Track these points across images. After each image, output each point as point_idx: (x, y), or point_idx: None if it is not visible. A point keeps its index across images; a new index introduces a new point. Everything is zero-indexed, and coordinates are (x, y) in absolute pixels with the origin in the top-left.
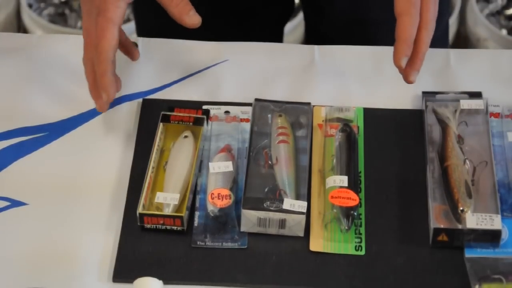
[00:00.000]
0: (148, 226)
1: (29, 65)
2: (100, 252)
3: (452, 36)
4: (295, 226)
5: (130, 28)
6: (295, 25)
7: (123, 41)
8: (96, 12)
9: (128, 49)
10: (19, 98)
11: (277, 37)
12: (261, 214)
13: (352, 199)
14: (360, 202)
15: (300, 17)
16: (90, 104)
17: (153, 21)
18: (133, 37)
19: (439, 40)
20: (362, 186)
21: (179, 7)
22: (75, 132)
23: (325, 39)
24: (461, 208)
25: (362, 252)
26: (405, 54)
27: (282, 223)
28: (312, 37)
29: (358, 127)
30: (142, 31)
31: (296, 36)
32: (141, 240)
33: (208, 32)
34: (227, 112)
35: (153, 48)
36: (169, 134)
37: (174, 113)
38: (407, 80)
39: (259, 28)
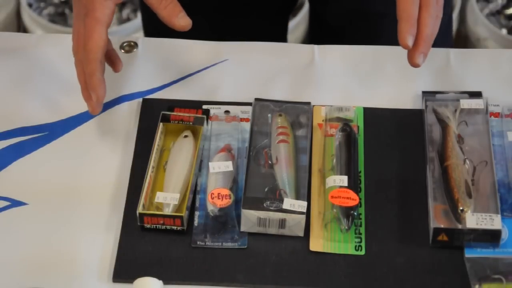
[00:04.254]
0: (148, 226)
1: (29, 65)
2: (100, 252)
3: (452, 36)
4: (295, 226)
5: (130, 28)
6: (295, 24)
7: (108, 50)
8: (84, 12)
9: (112, 59)
10: (19, 97)
11: (281, 28)
12: (261, 214)
13: (352, 199)
14: (360, 202)
15: (300, 16)
16: None
17: (159, 20)
18: (133, 36)
19: (442, 34)
20: (362, 186)
21: (168, 9)
22: (75, 132)
23: (330, 30)
24: (461, 208)
25: (362, 252)
26: (409, 32)
27: (282, 223)
28: (317, 28)
29: (358, 127)
30: (149, 31)
31: (296, 35)
32: (141, 240)
33: (210, 24)
34: (227, 111)
35: (153, 48)
36: (169, 134)
37: (174, 113)
38: (412, 62)
39: (261, 20)
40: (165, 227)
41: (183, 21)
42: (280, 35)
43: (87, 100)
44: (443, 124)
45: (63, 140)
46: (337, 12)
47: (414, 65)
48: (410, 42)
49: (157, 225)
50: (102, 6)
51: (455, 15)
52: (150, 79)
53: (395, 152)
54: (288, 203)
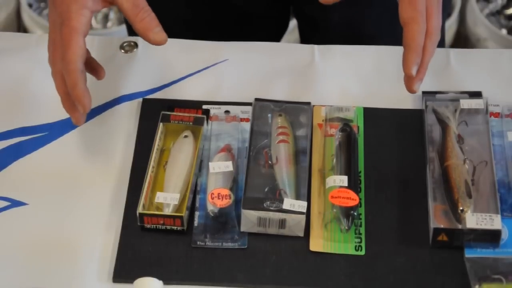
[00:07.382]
0: (148, 226)
1: (29, 65)
2: (100, 252)
3: (452, 36)
4: (295, 226)
5: (124, 30)
6: (295, 25)
7: (87, 58)
8: (59, 21)
9: (93, 66)
10: (19, 97)
11: None
12: (261, 214)
13: (352, 199)
14: (360, 202)
15: None
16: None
17: None
18: (133, 36)
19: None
20: (362, 186)
21: (144, 22)
22: (75, 132)
23: None
24: (461, 208)
25: (362, 252)
26: (415, 62)
27: (282, 223)
28: None
29: (358, 127)
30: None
31: (296, 35)
32: (141, 240)
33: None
34: (227, 111)
35: (153, 48)
36: (169, 134)
37: (174, 113)
38: (411, 89)
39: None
40: (165, 227)
41: (158, 36)
42: None
43: (70, 112)
44: (443, 124)
45: (63, 140)
46: (326, 36)
47: (412, 92)
48: (414, 71)
49: (157, 225)
50: (78, 14)
51: (455, 15)
52: (150, 79)
53: (395, 152)
54: (288, 203)
